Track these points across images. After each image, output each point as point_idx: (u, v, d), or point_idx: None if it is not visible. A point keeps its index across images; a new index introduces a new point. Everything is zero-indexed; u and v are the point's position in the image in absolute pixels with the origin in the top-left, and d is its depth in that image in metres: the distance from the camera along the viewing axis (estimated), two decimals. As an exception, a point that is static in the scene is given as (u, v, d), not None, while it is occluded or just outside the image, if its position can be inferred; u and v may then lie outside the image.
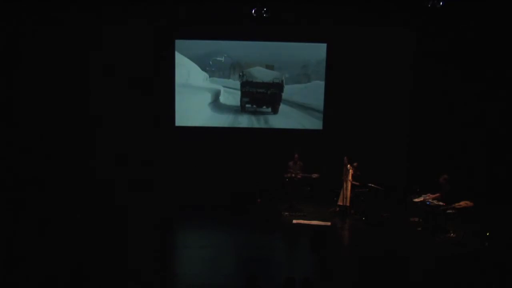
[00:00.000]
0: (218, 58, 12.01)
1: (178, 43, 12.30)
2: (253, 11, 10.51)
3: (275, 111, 12.26)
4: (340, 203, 10.68)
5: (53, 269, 7.25)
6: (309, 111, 12.50)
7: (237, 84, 12.36)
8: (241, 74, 12.13)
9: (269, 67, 12.19)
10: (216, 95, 12.43)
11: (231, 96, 12.45)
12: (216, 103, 12.47)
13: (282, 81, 12.14)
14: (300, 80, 12.40)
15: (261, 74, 12.13)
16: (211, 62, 12.10)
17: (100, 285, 6.87)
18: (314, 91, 12.41)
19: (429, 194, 9.58)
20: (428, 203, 9.41)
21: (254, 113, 12.40)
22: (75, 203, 10.48)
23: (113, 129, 12.14)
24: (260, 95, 12.19)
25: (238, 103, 12.40)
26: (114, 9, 11.00)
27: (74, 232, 8.96)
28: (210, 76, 12.29)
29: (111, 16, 11.30)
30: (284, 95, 12.41)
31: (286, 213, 10.59)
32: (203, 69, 12.32)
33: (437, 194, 9.49)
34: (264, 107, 12.27)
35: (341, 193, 10.66)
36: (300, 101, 12.46)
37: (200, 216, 10.46)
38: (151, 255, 8.10)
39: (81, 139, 11.95)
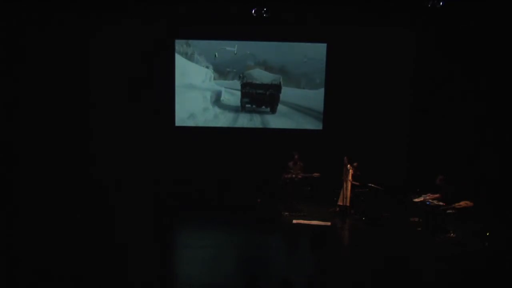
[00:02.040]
0: (228, 48, 11.99)
1: (178, 43, 12.32)
2: (253, 11, 10.52)
3: (273, 111, 12.47)
4: (340, 203, 10.68)
5: (53, 269, 7.25)
6: (308, 111, 12.54)
7: (237, 84, 12.42)
8: (241, 75, 12.32)
9: (268, 69, 12.33)
10: (217, 95, 12.49)
11: (232, 96, 12.50)
12: (216, 103, 12.51)
13: (280, 82, 12.36)
14: (300, 80, 12.44)
15: (260, 75, 12.35)
16: (216, 54, 12.10)
17: (100, 285, 6.87)
18: (314, 91, 12.45)
19: (429, 194, 9.58)
20: (428, 203, 9.41)
21: (253, 112, 12.51)
22: (74, 203, 10.48)
23: (113, 129, 12.14)
24: (260, 96, 12.42)
25: (238, 103, 12.50)
26: (114, 9, 10.99)
27: (74, 232, 8.95)
28: (214, 78, 12.36)
29: (111, 16, 11.31)
30: (284, 95, 12.47)
31: (286, 213, 10.59)
32: (205, 68, 12.36)
33: (437, 195, 9.49)
34: (263, 107, 12.49)
35: (341, 193, 10.65)
36: (300, 101, 12.50)
37: (200, 216, 10.46)
38: (151, 255, 8.09)
39: (81, 139, 11.95)
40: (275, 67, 12.38)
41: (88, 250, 8.07)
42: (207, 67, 12.32)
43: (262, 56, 12.35)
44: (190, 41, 12.22)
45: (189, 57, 12.26)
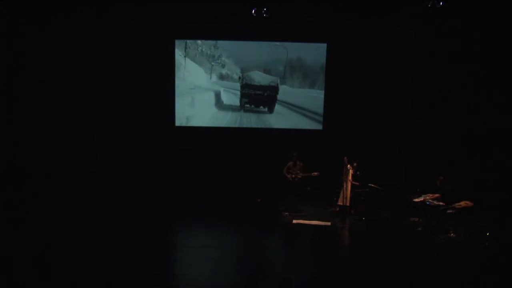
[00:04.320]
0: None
1: (178, 43, 12.32)
2: (253, 11, 10.52)
3: (271, 111, 12.74)
4: (340, 203, 10.68)
5: (53, 269, 7.25)
6: (308, 111, 12.59)
7: (236, 85, 12.55)
8: (240, 77, 12.51)
9: (267, 71, 12.54)
10: (217, 95, 12.56)
11: (232, 96, 12.59)
12: (217, 103, 12.58)
13: (277, 84, 12.61)
14: (300, 80, 12.49)
15: (259, 77, 12.62)
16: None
17: (100, 285, 6.87)
18: (313, 91, 12.50)
19: (429, 194, 9.58)
20: (428, 203, 9.41)
21: (252, 112, 12.68)
22: (75, 203, 10.48)
23: (113, 129, 12.15)
24: (258, 97, 12.66)
25: (238, 103, 12.64)
26: (114, 9, 11.00)
27: (74, 231, 8.95)
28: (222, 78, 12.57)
29: (111, 16, 11.31)
30: (284, 95, 12.56)
31: (286, 213, 10.58)
32: (205, 69, 12.46)
33: (437, 194, 9.49)
34: (261, 107, 12.70)
35: (341, 193, 10.65)
36: (300, 101, 12.57)
37: (200, 216, 10.46)
38: (151, 255, 8.09)
39: (81, 139, 11.95)
40: (274, 67, 12.43)
41: (88, 250, 8.07)
42: (222, 66, 12.47)
43: (262, 56, 12.41)
44: (219, 43, 12.36)
45: (216, 59, 12.43)
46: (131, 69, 11.98)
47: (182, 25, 11.85)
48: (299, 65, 12.46)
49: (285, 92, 12.55)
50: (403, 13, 11.08)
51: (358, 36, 11.91)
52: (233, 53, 12.43)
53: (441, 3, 10.01)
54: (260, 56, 12.42)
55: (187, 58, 12.39)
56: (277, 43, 12.32)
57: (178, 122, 12.57)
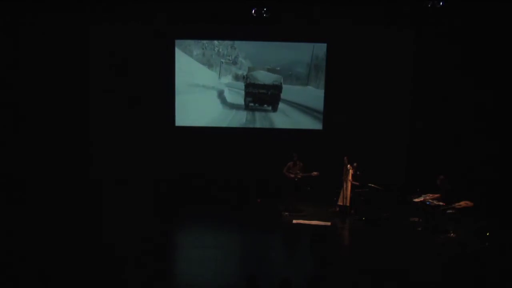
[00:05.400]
0: None
1: (179, 42, 12.33)
2: (253, 11, 10.53)
3: (274, 109, 12.78)
4: (340, 203, 10.67)
5: (52, 269, 7.25)
6: (309, 111, 12.62)
7: (241, 84, 12.61)
8: (244, 76, 12.59)
9: (271, 70, 12.56)
10: (221, 94, 12.60)
11: (237, 95, 12.66)
12: (221, 102, 12.63)
13: (281, 83, 12.65)
14: (300, 80, 12.52)
15: (263, 76, 12.68)
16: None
17: (99, 285, 6.87)
18: (314, 91, 12.52)
19: (429, 194, 9.58)
20: (428, 203, 9.41)
21: (256, 110, 12.78)
22: (73, 203, 10.48)
23: (113, 129, 12.15)
24: (262, 95, 12.72)
25: (242, 102, 12.74)
26: (114, 9, 11.01)
27: (73, 231, 8.95)
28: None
29: (111, 16, 11.32)
30: (285, 95, 12.59)
31: (286, 213, 10.58)
32: (214, 68, 12.55)
33: (437, 194, 9.49)
34: (265, 105, 12.79)
35: (341, 193, 10.65)
36: (301, 101, 12.61)
37: (200, 216, 10.46)
38: (151, 255, 8.09)
39: (81, 139, 11.95)
40: (275, 67, 12.46)
41: (87, 250, 8.07)
42: (234, 63, 12.50)
43: (263, 56, 12.43)
44: (236, 44, 12.38)
45: (232, 60, 12.47)
46: (131, 69, 11.98)
47: (182, 25, 11.86)
48: (323, 64, 12.43)
49: (288, 91, 12.56)
50: (403, 13, 11.08)
51: (358, 36, 11.91)
52: (250, 54, 12.45)
53: (441, 3, 10.01)
54: (279, 58, 12.43)
55: (192, 58, 12.40)
56: (305, 43, 12.28)
57: (178, 122, 12.56)
